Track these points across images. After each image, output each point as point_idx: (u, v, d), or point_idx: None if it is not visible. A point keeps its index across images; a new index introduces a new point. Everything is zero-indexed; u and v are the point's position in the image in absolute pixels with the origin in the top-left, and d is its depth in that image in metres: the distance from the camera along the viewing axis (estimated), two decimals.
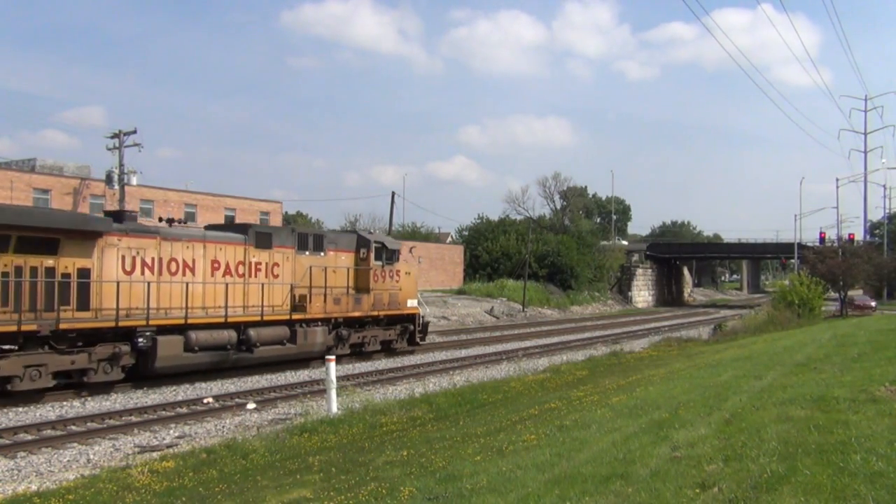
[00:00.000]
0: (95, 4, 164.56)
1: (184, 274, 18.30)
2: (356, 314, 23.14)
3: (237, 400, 15.98)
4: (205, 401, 15.65)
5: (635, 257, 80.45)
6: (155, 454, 11.06)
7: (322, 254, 22.27)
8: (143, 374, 17.43)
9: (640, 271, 79.23)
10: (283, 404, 15.69)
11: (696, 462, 6.15)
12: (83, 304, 15.98)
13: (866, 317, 39.68)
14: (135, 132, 42.44)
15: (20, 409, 14.65)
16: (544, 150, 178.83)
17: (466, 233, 74.68)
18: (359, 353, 23.68)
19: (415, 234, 67.66)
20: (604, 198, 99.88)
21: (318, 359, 21.77)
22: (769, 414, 7.92)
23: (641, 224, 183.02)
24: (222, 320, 18.84)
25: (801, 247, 62.39)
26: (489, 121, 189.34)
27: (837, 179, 72.17)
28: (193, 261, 18.57)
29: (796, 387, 9.83)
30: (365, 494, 6.77)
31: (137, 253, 17.29)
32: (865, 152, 71.14)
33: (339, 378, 14.78)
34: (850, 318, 38.99)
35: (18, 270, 14.90)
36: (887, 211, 79.85)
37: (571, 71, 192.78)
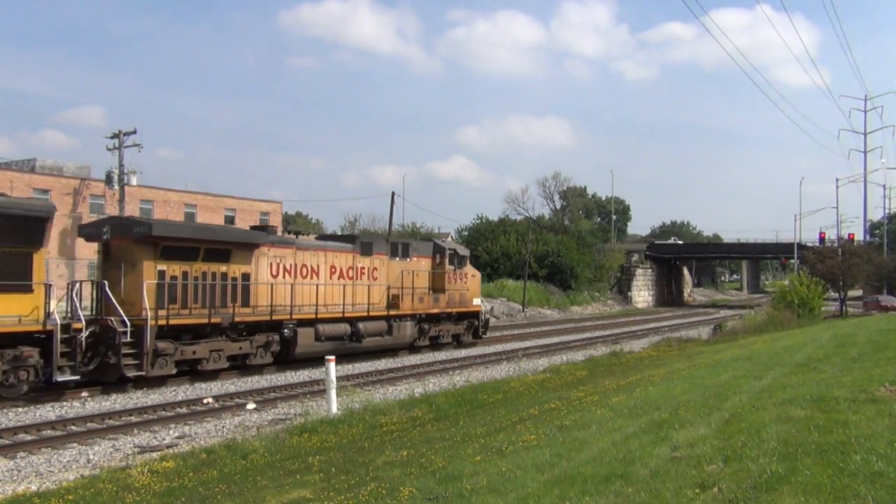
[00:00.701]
0: (94, 5, 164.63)
1: (311, 277, 22.18)
2: (435, 310, 26.98)
3: (237, 400, 15.98)
4: (205, 401, 15.65)
5: (635, 257, 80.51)
6: (155, 454, 11.05)
7: (408, 259, 25.98)
8: (285, 359, 21.09)
9: (639, 271, 79.26)
10: (283, 404, 15.69)
11: (696, 462, 6.16)
12: (245, 302, 19.86)
13: (866, 317, 39.69)
14: (134, 132, 42.50)
15: (20, 410, 14.65)
16: (543, 150, 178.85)
17: (466, 233, 74.70)
18: (435, 344, 27.20)
19: (415, 235, 67.66)
20: (603, 198, 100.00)
21: (405, 349, 25.83)
22: (769, 414, 7.92)
23: (641, 224, 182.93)
24: (340, 315, 22.71)
25: (801, 247, 62.40)
26: (488, 121, 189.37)
27: (837, 179, 72.22)
28: (318, 266, 22.48)
29: (796, 387, 9.83)
30: (365, 494, 6.77)
31: (280, 260, 21.18)
32: (865, 152, 71.11)
33: (338, 378, 14.78)
34: (849, 319, 39.00)
35: (204, 275, 18.84)
36: (887, 211, 79.90)
37: (570, 71, 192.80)
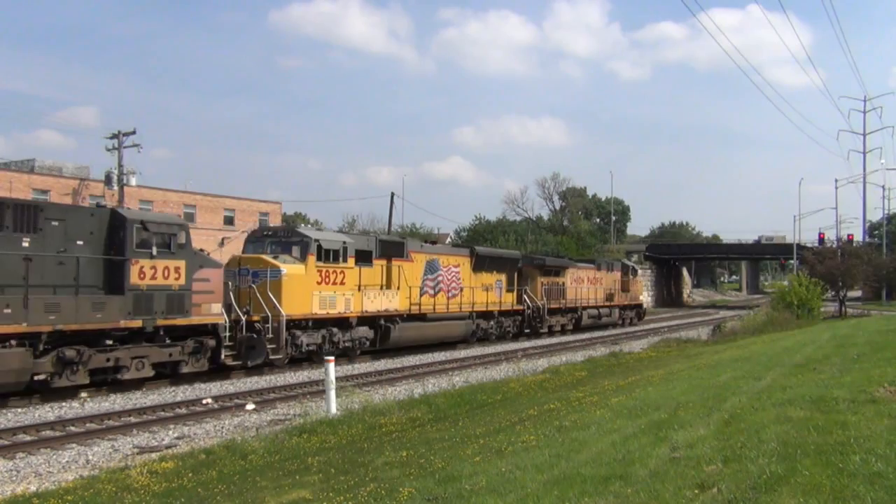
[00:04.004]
0: (88, 5, 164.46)
1: (580, 284, 38.93)
2: (624, 303, 44.56)
3: (236, 401, 15.95)
4: (204, 401, 15.64)
5: (634, 258, 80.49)
6: (154, 455, 11.04)
7: (613, 272, 43.34)
8: (575, 328, 37.95)
9: (639, 272, 79.20)
10: (282, 405, 15.67)
11: (696, 463, 6.16)
12: (564, 297, 36.87)
13: (865, 317, 39.69)
14: (133, 133, 42.47)
15: (19, 410, 14.65)
16: (540, 150, 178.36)
17: (465, 233, 74.67)
18: (622, 324, 43.74)
19: (414, 235, 67.63)
20: (603, 199, 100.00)
21: (612, 325, 42.38)
22: (768, 415, 7.93)
23: (640, 225, 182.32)
24: (594, 305, 40.16)
25: (800, 247, 62.43)
26: (483, 121, 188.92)
27: (836, 180, 72.42)
28: (583, 278, 39.29)
29: (795, 387, 9.84)
30: (364, 495, 6.77)
31: (573, 275, 38.09)
32: (864, 153, 71.14)
33: (337, 379, 14.77)
34: (849, 319, 39.00)
35: (552, 283, 35.73)
36: (886, 212, 79.98)
37: (564, 71, 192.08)
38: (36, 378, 15.47)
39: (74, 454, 11.46)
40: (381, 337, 24.26)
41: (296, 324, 20.66)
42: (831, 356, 14.40)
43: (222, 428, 13.43)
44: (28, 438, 12.26)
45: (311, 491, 7.44)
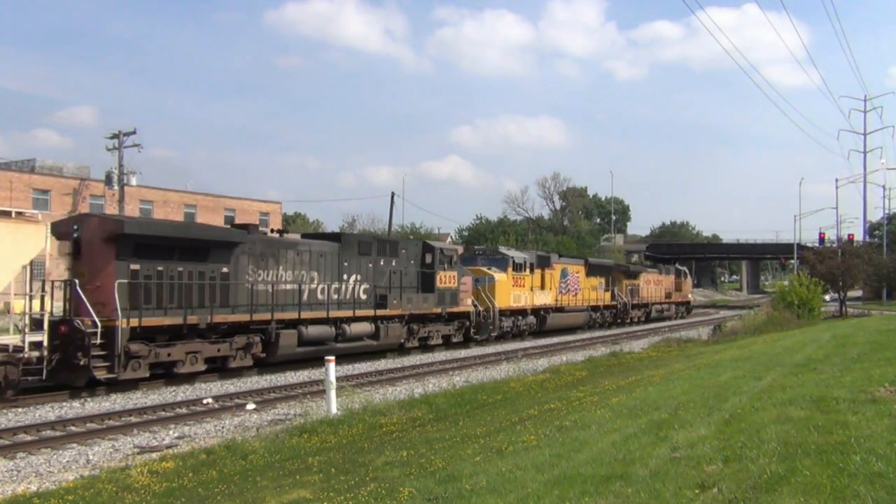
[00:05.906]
0: (88, 5, 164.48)
1: (650, 285, 47.29)
2: (678, 300, 53.53)
3: (237, 400, 15.95)
4: (204, 401, 15.64)
5: (634, 258, 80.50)
6: (154, 455, 11.04)
7: (669, 275, 51.97)
8: (646, 319, 46.19)
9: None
10: (283, 405, 15.67)
11: (696, 463, 6.16)
12: (639, 296, 45.20)
13: (865, 317, 39.67)
14: (134, 132, 42.49)
15: (20, 410, 14.66)
16: (539, 150, 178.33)
17: (466, 233, 74.65)
18: (675, 316, 52.07)
19: (414, 235, 67.62)
20: (603, 198, 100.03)
21: (670, 318, 50.86)
22: (769, 414, 7.93)
23: (641, 224, 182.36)
24: (659, 302, 48.96)
25: (801, 247, 62.43)
26: (481, 121, 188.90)
27: (837, 180, 72.28)
28: (650, 280, 47.54)
29: (796, 387, 9.83)
30: (364, 495, 6.77)
31: (644, 278, 46.51)
32: (865, 153, 71.16)
33: (338, 378, 14.77)
34: (849, 319, 38.99)
35: (630, 284, 44.25)
36: (886, 211, 79.97)
37: (561, 70, 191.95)
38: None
39: (75, 454, 11.46)
40: (540, 323, 34.23)
41: (501, 313, 30.37)
42: (832, 356, 14.39)
43: (223, 428, 13.43)
44: (28, 438, 12.26)
45: (311, 491, 7.45)
